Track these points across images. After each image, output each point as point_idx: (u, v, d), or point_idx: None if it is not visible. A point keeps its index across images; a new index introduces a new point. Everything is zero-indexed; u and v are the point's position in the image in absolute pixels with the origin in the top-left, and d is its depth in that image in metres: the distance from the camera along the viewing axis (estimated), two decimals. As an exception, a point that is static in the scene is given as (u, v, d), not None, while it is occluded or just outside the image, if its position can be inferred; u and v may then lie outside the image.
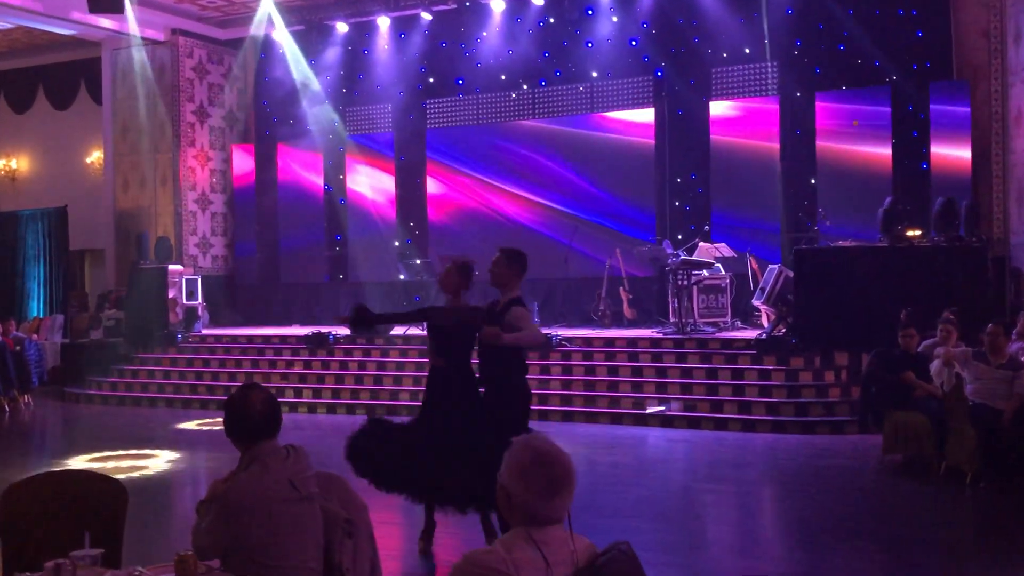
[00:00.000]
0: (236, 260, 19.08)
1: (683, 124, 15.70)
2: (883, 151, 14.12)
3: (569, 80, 16.44)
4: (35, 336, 16.34)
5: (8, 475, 9.06)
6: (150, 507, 7.73)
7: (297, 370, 14.56)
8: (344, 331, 15.03)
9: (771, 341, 12.06)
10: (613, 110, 16.04)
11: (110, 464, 9.70)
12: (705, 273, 13.64)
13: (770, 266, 13.31)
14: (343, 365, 14.41)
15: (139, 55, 18.13)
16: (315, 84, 18.00)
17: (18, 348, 14.65)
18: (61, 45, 19.86)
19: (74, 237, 18.61)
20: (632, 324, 14.76)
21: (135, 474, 9.08)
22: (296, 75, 18.08)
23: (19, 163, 21.70)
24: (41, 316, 18.44)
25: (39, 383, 15.42)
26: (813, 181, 14.70)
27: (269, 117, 19.01)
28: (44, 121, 20.97)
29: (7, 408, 14.06)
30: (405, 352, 14.25)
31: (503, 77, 16.78)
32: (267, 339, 15.76)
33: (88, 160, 20.44)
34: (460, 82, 17.31)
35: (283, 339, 15.60)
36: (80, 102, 20.41)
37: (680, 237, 15.03)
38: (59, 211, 18.52)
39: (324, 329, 15.26)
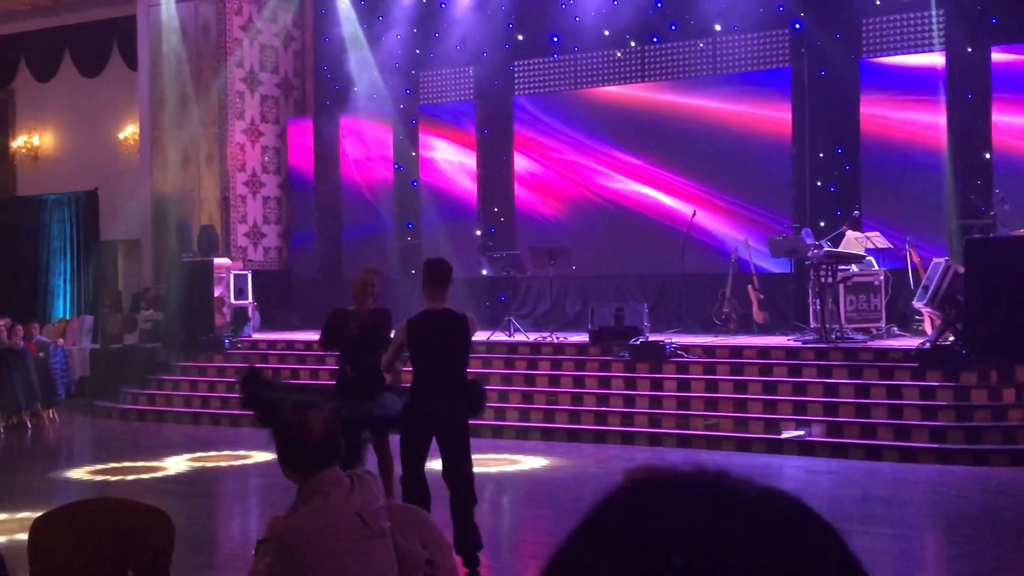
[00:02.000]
0: (292, 252, 19.43)
1: (826, 87, 15.47)
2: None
3: (687, 35, 16.33)
4: (61, 341, 16.90)
5: (32, 503, 9.39)
6: (198, 541, 7.93)
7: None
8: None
9: (936, 352, 11.83)
10: (740, 71, 15.88)
11: (148, 490, 9.98)
12: (854, 268, 13.44)
13: (935, 260, 13.06)
14: (416, 377, 14.55)
15: (179, 12, 18.59)
16: (363, 45, 18.23)
17: (42, 355, 15.18)
18: (90, 2, 20.48)
19: (105, 225, 19.16)
20: (763, 330, 14.61)
21: (177, 504, 9.32)
22: (351, 33, 18.34)
23: (42, 140, 22.42)
24: (68, 317, 19.06)
25: (66, 396, 15.95)
26: (988, 156, 14.36)
27: (330, 85, 19.29)
28: (71, 91, 21.58)
29: (29, 425, 14.56)
30: (488, 362, 14.34)
31: (606, 33, 16.75)
32: (327, 346, 15.99)
33: (121, 136, 21.01)
34: (555, 40, 17.33)
35: (346, 346, 15.82)
36: (112, 68, 20.94)
37: (823, 225, 14.82)
38: (88, 195, 19.12)
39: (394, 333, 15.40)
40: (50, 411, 15.17)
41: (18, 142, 22.49)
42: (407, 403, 7.10)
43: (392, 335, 7.26)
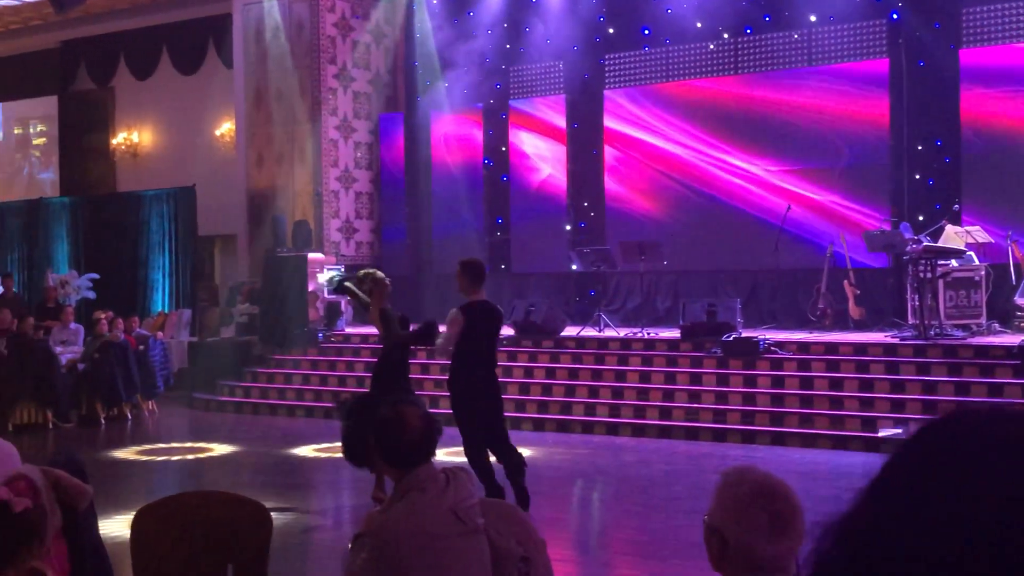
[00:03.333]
0: (383, 247, 19.59)
1: (925, 78, 15.17)
2: None
3: (781, 26, 16.12)
4: (160, 334, 17.26)
5: (131, 494, 9.60)
6: (293, 536, 8.02)
7: (453, 377, 14.81)
8: (507, 331, 15.23)
9: (1040, 349, 11.54)
10: (836, 63, 15.62)
11: (243, 483, 10.13)
12: (954, 263, 13.16)
13: (1038, 255, 12.74)
14: (506, 371, 14.58)
15: (274, 10, 18.84)
16: (453, 41, 18.32)
17: (142, 348, 15.51)
18: (187, 0, 20.85)
19: (202, 221, 19.50)
20: (860, 326, 14.38)
21: (272, 496, 9.45)
22: (440, 30, 18.43)
23: (141, 137, 22.89)
24: (166, 311, 19.43)
25: (164, 388, 16.29)
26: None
27: (421, 80, 19.41)
28: (169, 88, 22.00)
29: (129, 416, 14.89)
30: (578, 357, 14.31)
31: (699, 25, 16.59)
32: (418, 340, 16.10)
33: (217, 132, 21.37)
34: (646, 32, 17.23)
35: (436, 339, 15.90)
36: (208, 66, 21.31)
37: (921, 219, 14.56)
38: (186, 191, 19.47)
39: (484, 329, 15.46)
40: (150, 403, 15.50)
41: (118, 139, 23.00)
42: (468, 380, 8.24)
43: (447, 324, 8.28)
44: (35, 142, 24.38)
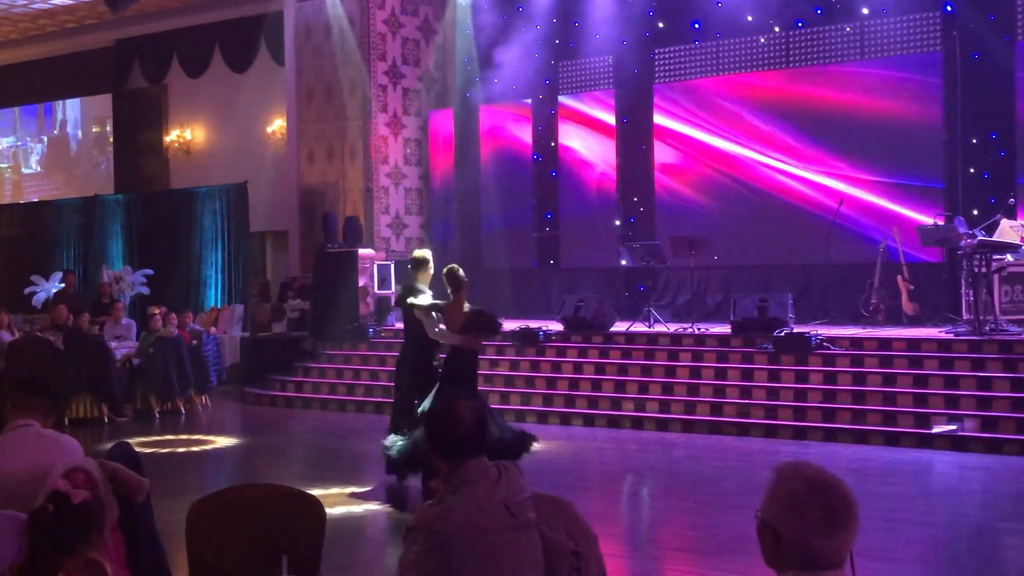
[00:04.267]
0: (433, 243, 19.63)
1: (980, 71, 14.96)
2: None
3: (833, 19, 15.97)
4: (213, 329, 17.43)
5: (186, 487, 9.71)
6: (344, 529, 8.07)
7: (502, 371, 14.85)
8: (556, 326, 15.24)
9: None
10: (888, 55, 15.46)
11: (295, 475, 10.21)
12: (1009, 258, 12.99)
13: (1096, 249, 12.54)
14: (555, 367, 14.59)
15: (325, 7, 18.96)
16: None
17: (195, 343, 15.68)
18: (240, -2, 21.06)
19: (254, 217, 19.67)
20: (913, 322, 14.23)
21: (324, 489, 9.51)
22: (491, 25, 18.45)
23: (194, 134, 23.12)
24: (219, 306, 19.63)
25: (217, 382, 16.46)
26: None
27: (470, 76, 19.44)
28: (221, 86, 22.20)
29: (183, 410, 15.06)
30: (628, 353, 14.28)
31: (749, 18, 16.48)
32: (468, 335, 16.14)
33: (269, 129, 21.53)
34: (696, 26, 17.13)
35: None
36: (260, 63, 21.44)
37: (976, 213, 14.36)
38: (238, 188, 19.64)
39: (533, 324, 15.49)
40: (203, 397, 15.66)
41: (171, 137, 23.25)
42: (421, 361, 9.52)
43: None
44: (112, 139, 24.74)
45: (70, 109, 25.05)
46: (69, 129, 25.15)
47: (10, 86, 25.87)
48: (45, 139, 25.60)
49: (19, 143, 25.81)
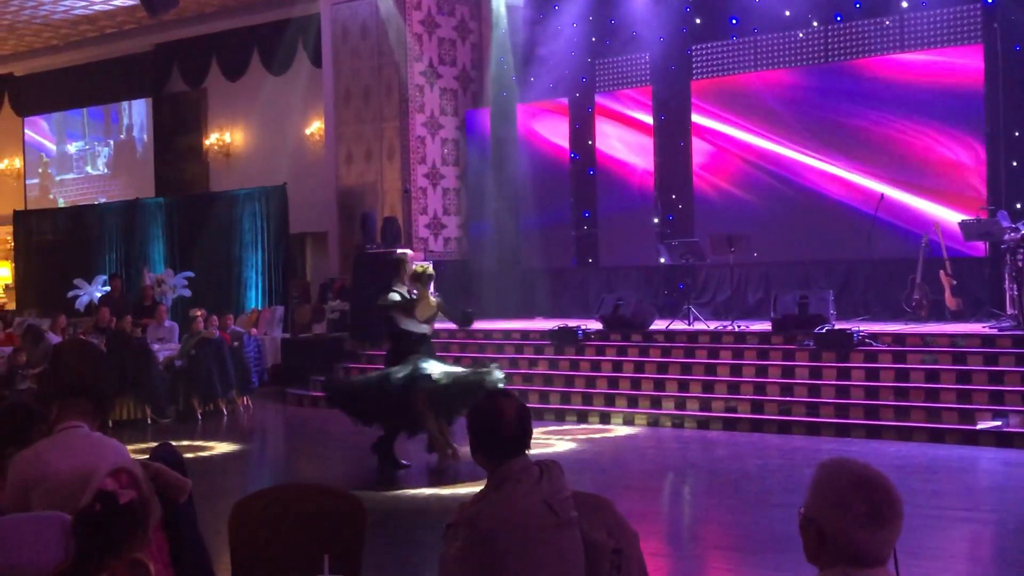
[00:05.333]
0: (471, 243, 19.69)
1: (1021, 63, 14.80)
2: None
3: (872, 13, 15.85)
4: (254, 331, 17.55)
5: (229, 487, 9.79)
6: (384, 527, 8.11)
7: (541, 371, 14.85)
8: (595, 325, 15.23)
9: None
10: (929, 49, 15.32)
11: (336, 475, 10.27)
12: (1054, 252, 12.83)
13: None
14: (595, 366, 14.58)
15: (360, 9, 19.04)
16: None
17: (236, 344, 15.79)
18: (276, 1, 21.16)
19: (294, 219, 19.79)
20: (956, 317, 14.09)
21: (364, 487, 9.56)
22: (525, 24, 18.47)
23: (233, 137, 23.29)
24: (260, 308, 19.76)
25: (258, 383, 16.56)
26: None
27: (507, 76, 19.45)
28: (259, 89, 22.34)
29: (225, 412, 15.17)
30: (668, 351, 14.24)
31: (787, 13, 16.39)
32: (507, 334, 16.17)
33: (307, 131, 21.66)
34: (734, 22, 17.06)
35: (524, 334, 15.96)
36: (298, 66, 21.57)
37: (1019, 206, 14.25)
38: (278, 190, 19.78)
39: (572, 323, 15.48)
40: (244, 398, 15.77)
41: (210, 140, 23.44)
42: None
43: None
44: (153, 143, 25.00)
45: (136, 113, 25.30)
46: (135, 132, 25.42)
47: (51, 91, 26.22)
48: (112, 142, 25.87)
49: (87, 146, 26.10)
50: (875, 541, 2.44)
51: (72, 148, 26.55)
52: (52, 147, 27.10)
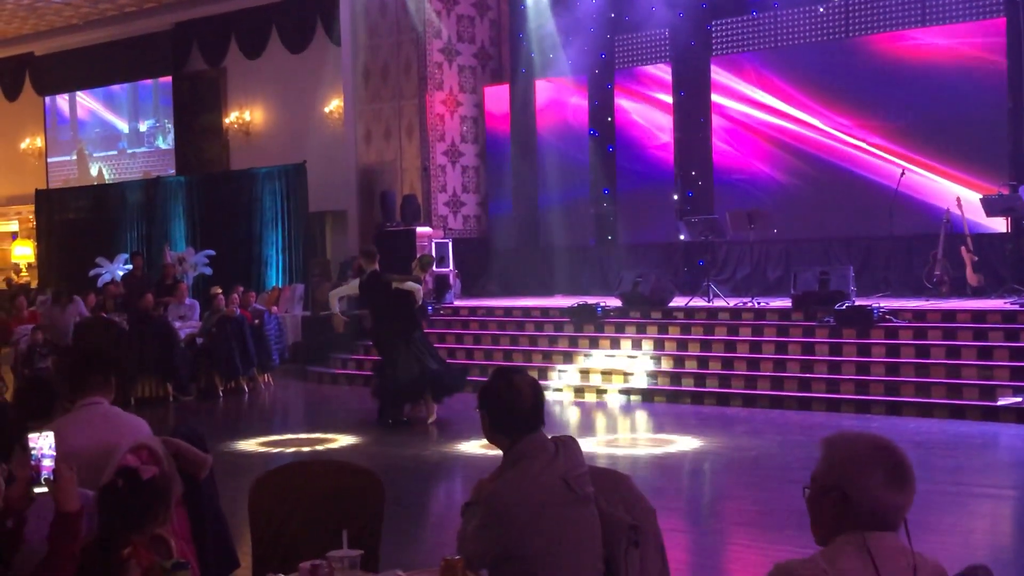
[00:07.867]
0: (490, 220, 19.69)
1: (1045, 36, 14.68)
2: None
3: (893, -13, 15.73)
4: (275, 309, 17.61)
5: (250, 463, 9.85)
6: (403, 503, 8.15)
7: (561, 348, 14.86)
8: (615, 302, 15.22)
9: None
10: (950, 23, 15.20)
11: (355, 452, 10.31)
12: (1076, 227, 12.75)
13: None
14: (614, 343, 14.57)
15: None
16: (557, 12, 18.29)
17: (257, 322, 15.85)
18: (295, -21, 21.17)
19: (313, 197, 19.82)
20: (978, 293, 14.02)
21: (383, 465, 9.60)
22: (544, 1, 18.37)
23: (252, 115, 23.32)
24: (280, 286, 19.82)
25: (279, 361, 16.63)
26: None
27: (526, 52, 19.39)
28: (278, 67, 22.37)
29: (246, 389, 15.25)
30: (688, 328, 14.21)
31: (808, -12, 16.28)
32: (526, 311, 16.18)
33: (326, 110, 21.65)
34: (754, -3, 16.96)
35: (544, 311, 15.96)
36: (317, 44, 21.59)
37: (1042, 182, 14.11)
38: (297, 168, 19.80)
39: (591, 300, 15.47)
40: (265, 376, 15.83)
41: (230, 118, 23.47)
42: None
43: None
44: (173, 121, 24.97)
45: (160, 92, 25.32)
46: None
47: (72, 70, 26.29)
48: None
49: (156, 123, 26.04)
50: (895, 504, 2.52)
51: (143, 127, 26.39)
52: (117, 122, 26.86)
